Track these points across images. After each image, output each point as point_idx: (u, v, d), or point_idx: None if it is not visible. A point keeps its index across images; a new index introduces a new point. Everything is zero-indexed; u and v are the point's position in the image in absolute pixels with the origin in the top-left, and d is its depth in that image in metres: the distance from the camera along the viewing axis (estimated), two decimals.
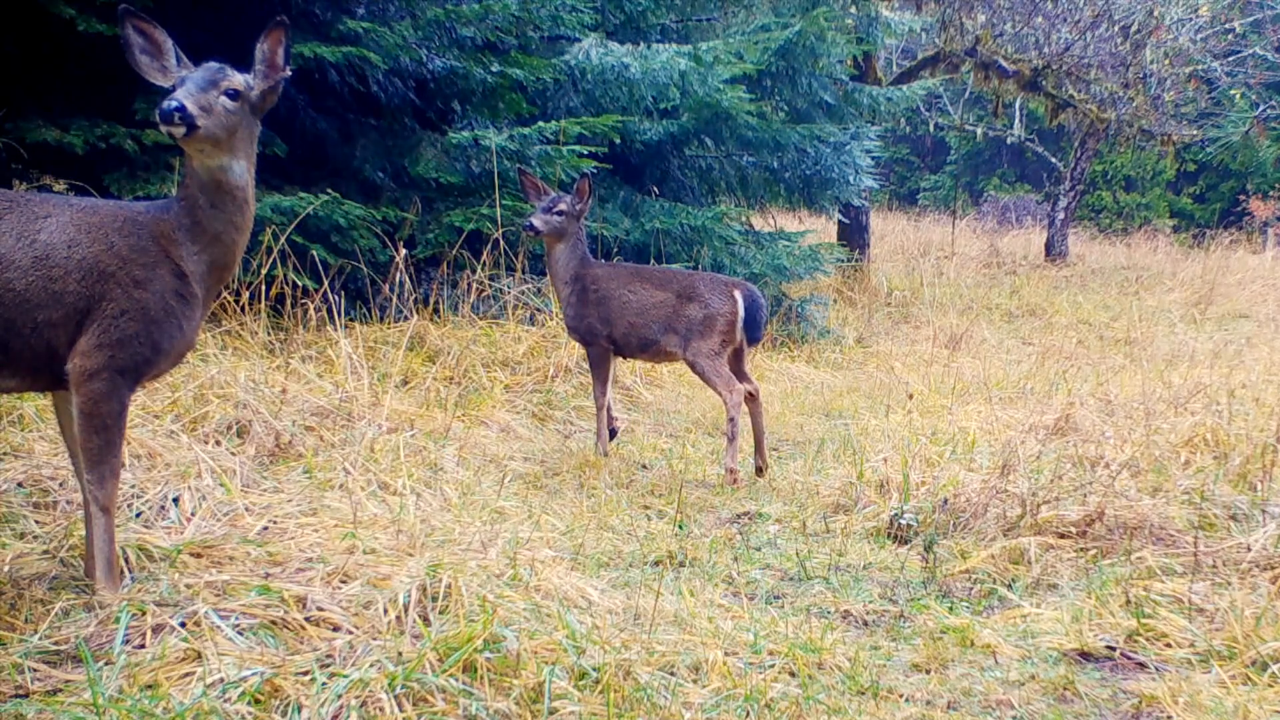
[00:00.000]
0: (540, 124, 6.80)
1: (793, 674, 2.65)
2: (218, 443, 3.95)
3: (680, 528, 3.96)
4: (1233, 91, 19.76)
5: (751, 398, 4.88)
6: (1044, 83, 14.47)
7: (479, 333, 6.19)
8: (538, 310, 6.77)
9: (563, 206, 4.87)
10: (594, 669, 2.43)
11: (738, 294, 4.81)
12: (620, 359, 5.19)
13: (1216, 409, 5.03)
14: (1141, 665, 2.84)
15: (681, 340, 4.80)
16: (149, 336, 2.66)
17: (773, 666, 2.67)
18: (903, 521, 3.92)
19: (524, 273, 6.86)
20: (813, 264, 9.30)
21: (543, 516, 3.82)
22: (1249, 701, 2.54)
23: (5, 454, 3.51)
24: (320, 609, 2.62)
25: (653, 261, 7.32)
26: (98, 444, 2.65)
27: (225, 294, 5.13)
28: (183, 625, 2.46)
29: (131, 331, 2.63)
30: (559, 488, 4.43)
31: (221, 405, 4.19)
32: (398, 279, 5.84)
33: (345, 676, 2.25)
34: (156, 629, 2.45)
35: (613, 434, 5.10)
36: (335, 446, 4.21)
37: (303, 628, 2.53)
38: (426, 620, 2.61)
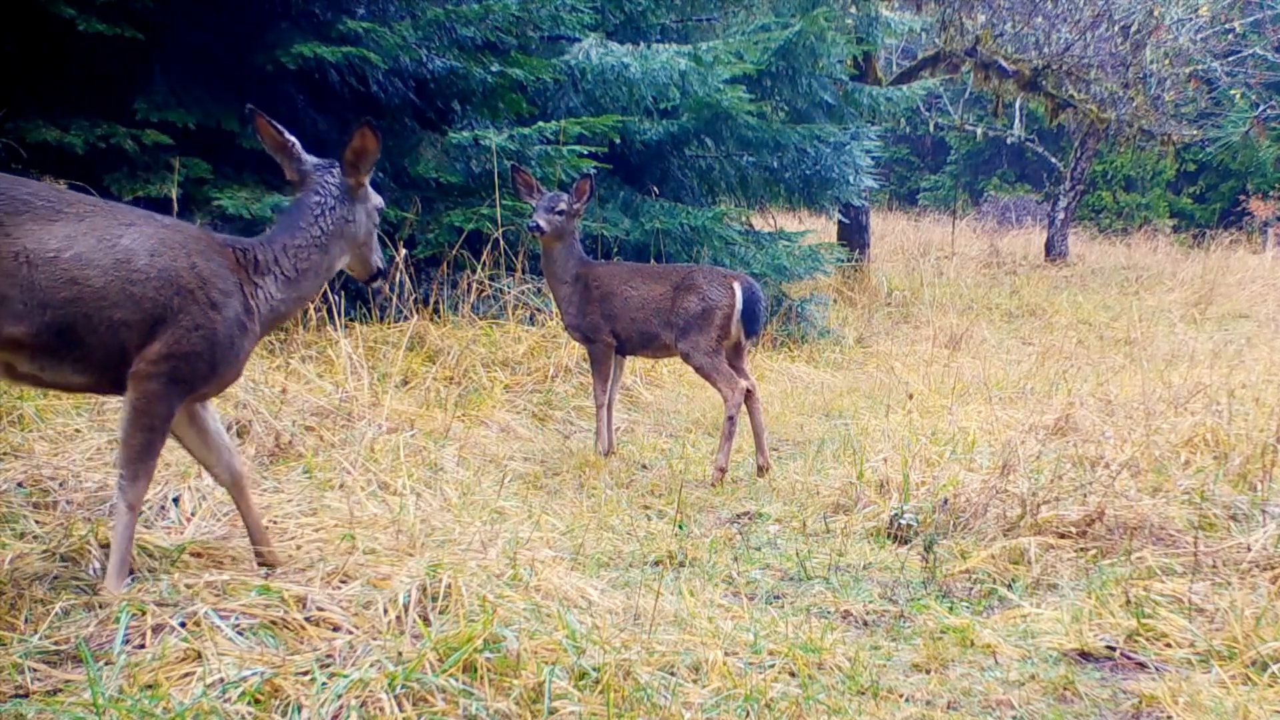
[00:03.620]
0: (540, 124, 6.80)
1: (793, 674, 2.65)
2: None
3: (680, 528, 3.96)
4: (1233, 91, 19.76)
5: (749, 395, 4.88)
6: (1044, 83, 14.47)
7: (479, 333, 6.19)
8: (538, 310, 6.76)
9: (563, 206, 4.87)
10: (594, 669, 2.43)
11: (736, 286, 4.81)
12: (623, 358, 5.18)
13: (1216, 409, 5.03)
14: (1141, 665, 2.84)
15: (679, 334, 4.79)
16: (211, 356, 2.80)
17: (773, 666, 2.67)
18: (903, 521, 3.92)
19: (524, 273, 6.86)
20: (813, 264, 9.30)
21: (543, 516, 3.82)
22: (1249, 701, 2.54)
23: (5, 454, 3.51)
24: (320, 609, 2.62)
25: (652, 261, 7.32)
26: (140, 442, 2.76)
27: None
28: (183, 625, 2.46)
29: (198, 348, 2.77)
30: (559, 488, 4.43)
31: (221, 405, 4.19)
32: (398, 279, 5.85)
33: (345, 676, 2.25)
34: (156, 629, 2.45)
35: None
36: (335, 446, 4.21)
37: (303, 628, 2.53)
38: (426, 620, 2.61)
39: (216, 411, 3.11)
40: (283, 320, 3.15)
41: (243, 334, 2.90)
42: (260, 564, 3.02)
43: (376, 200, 3.29)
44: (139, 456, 2.76)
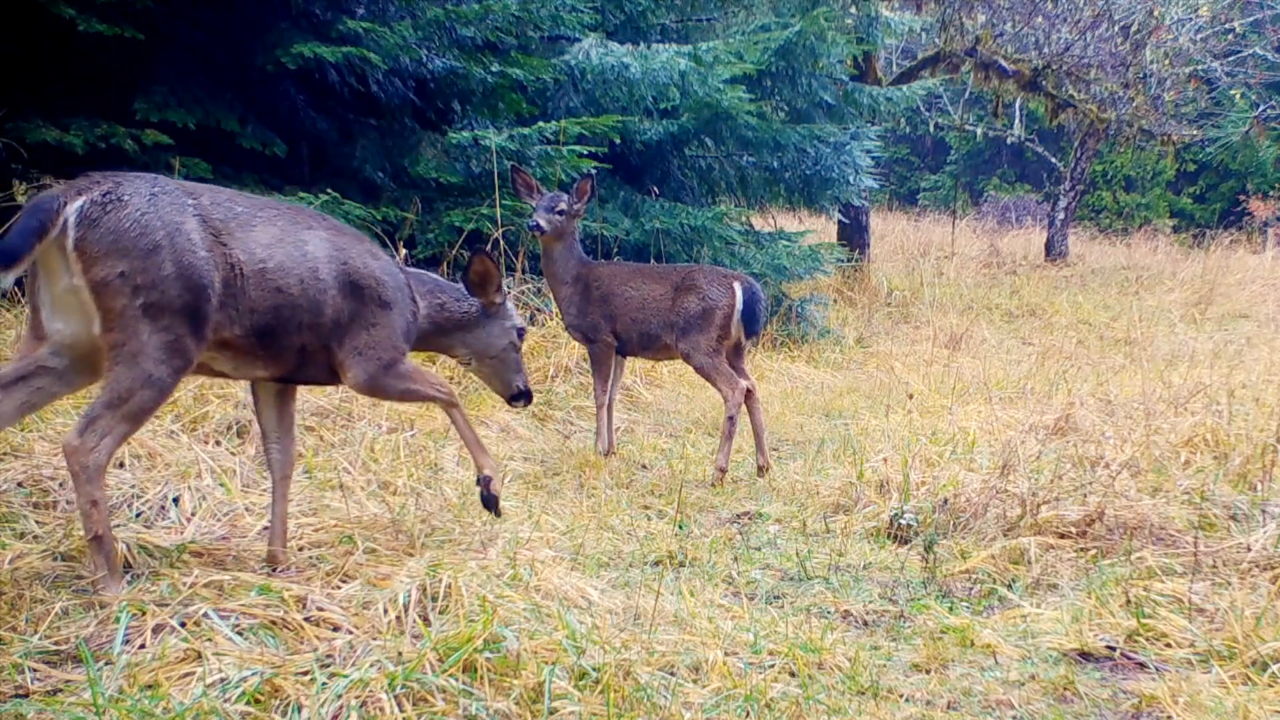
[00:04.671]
0: (540, 124, 6.81)
1: (793, 674, 2.65)
2: (218, 443, 3.95)
3: (680, 528, 3.96)
4: (1233, 91, 19.75)
5: (749, 395, 4.88)
6: (1044, 83, 14.47)
7: None
8: (538, 310, 6.76)
9: (563, 205, 4.87)
10: (594, 669, 2.43)
11: (736, 285, 4.81)
12: (623, 358, 5.18)
13: (1216, 409, 5.03)
14: (1141, 665, 2.84)
15: (679, 334, 4.79)
16: (394, 344, 3.12)
17: (773, 666, 2.67)
18: (903, 521, 3.92)
19: (524, 273, 6.86)
20: (813, 264, 9.30)
21: (543, 516, 3.82)
22: (1249, 701, 2.54)
23: (5, 454, 3.51)
24: (320, 609, 2.62)
25: (652, 261, 7.32)
26: (412, 393, 3.21)
27: None
28: (183, 625, 2.46)
29: (378, 341, 3.07)
30: (559, 488, 4.43)
31: (221, 405, 4.19)
32: None
33: (345, 676, 2.25)
34: (156, 629, 2.45)
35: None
36: (335, 446, 4.21)
37: (303, 628, 2.53)
38: (426, 620, 2.61)
39: (296, 405, 3.28)
40: (412, 347, 3.38)
41: (413, 326, 3.23)
42: (267, 561, 3.07)
43: (516, 321, 3.58)
44: (419, 391, 3.20)
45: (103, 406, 2.62)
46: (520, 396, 3.64)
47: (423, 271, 3.50)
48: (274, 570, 3.00)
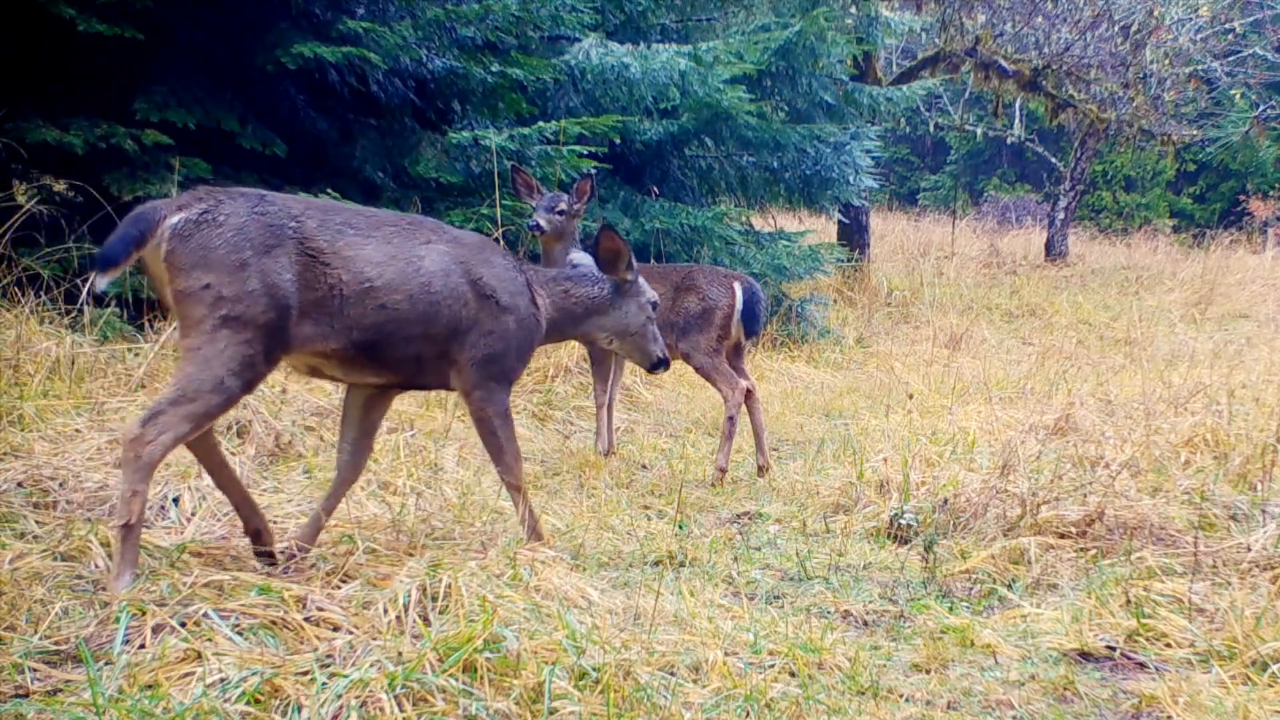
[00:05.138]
0: (540, 124, 6.80)
1: (793, 674, 2.65)
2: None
3: (680, 528, 3.96)
4: (1233, 91, 19.74)
5: (749, 395, 4.88)
6: (1044, 83, 14.47)
7: None
8: None
9: (563, 206, 4.87)
10: (594, 669, 2.43)
11: (736, 286, 4.81)
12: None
13: (1216, 409, 5.03)
14: (1141, 665, 2.84)
15: (679, 334, 4.79)
16: (513, 350, 3.22)
17: (773, 666, 2.66)
18: (903, 521, 3.92)
19: None
20: (813, 264, 9.30)
21: (543, 516, 3.82)
22: (1249, 701, 2.53)
23: (5, 454, 3.51)
24: (320, 609, 2.62)
25: (652, 261, 7.32)
26: (496, 444, 3.25)
27: None
28: (183, 625, 2.46)
29: (497, 348, 3.17)
30: (559, 488, 4.43)
31: None
32: None
33: (345, 676, 2.25)
34: (156, 629, 2.45)
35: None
36: (335, 446, 4.20)
37: (303, 628, 2.53)
38: (426, 620, 2.61)
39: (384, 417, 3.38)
40: (546, 340, 3.53)
41: (536, 326, 3.32)
42: (283, 551, 3.14)
43: (650, 295, 3.70)
44: (500, 452, 3.26)
45: (168, 403, 2.67)
46: (660, 364, 3.76)
47: (546, 268, 3.60)
48: (280, 565, 3.03)
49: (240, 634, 2.46)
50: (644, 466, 5.00)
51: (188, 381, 2.67)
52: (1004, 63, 13.96)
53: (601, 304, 3.57)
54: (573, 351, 6.24)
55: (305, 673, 2.28)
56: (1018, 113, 20.05)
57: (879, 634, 3.06)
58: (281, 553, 3.06)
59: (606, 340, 3.68)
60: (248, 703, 2.16)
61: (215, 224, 2.71)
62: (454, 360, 3.13)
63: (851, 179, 9.53)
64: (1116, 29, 14.84)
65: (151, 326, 5.02)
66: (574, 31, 7.56)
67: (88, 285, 4.77)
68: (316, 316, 2.83)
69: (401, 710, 2.19)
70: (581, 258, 3.71)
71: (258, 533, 3.02)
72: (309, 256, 2.81)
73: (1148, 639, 2.95)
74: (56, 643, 2.42)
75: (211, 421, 2.77)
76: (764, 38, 8.91)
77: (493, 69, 6.72)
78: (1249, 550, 3.46)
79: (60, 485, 3.34)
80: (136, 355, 4.55)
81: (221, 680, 2.21)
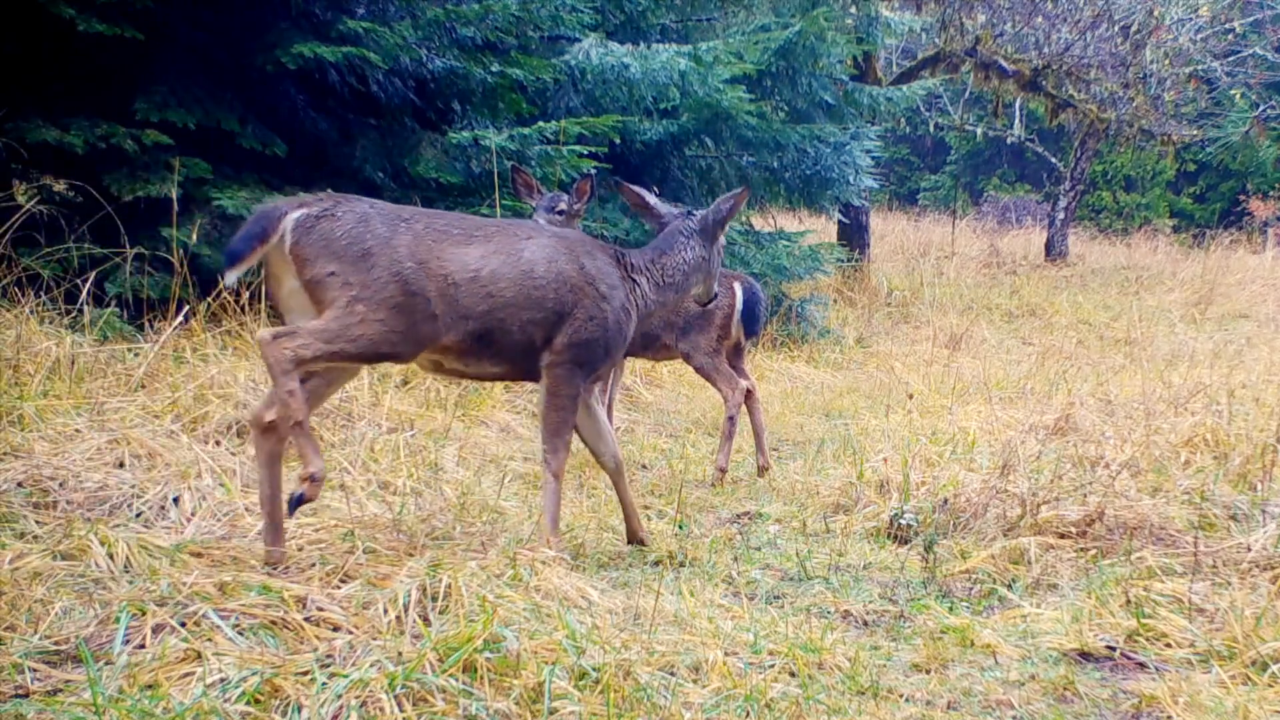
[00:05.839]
0: (540, 124, 6.80)
1: (793, 674, 2.65)
2: (218, 443, 3.95)
3: (680, 528, 3.96)
4: (1233, 91, 19.75)
5: (749, 395, 4.88)
6: (1044, 83, 14.47)
7: None
8: None
9: (562, 206, 4.86)
10: (594, 669, 2.43)
11: (737, 286, 4.80)
12: (623, 358, 5.18)
13: (1216, 409, 5.03)
14: (1141, 665, 2.84)
15: (679, 334, 4.79)
16: (604, 341, 3.39)
17: (773, 666, 2.66)
18: (903, 521, 3.92)
19: None
20: (813, 264, 9.30)
21: (543, 517, 3.82)
22: (1249, 701, 2.53)
23: (5, 454, 3.50)
24: (320, 609, 2.62)
25: None
26: (555, 420, 3.38)
27: (225, 294, 5.13)
28: (183, 625, 2.46)
29: (594, 335, 3.35)
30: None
31: (221, 405, 4.19)
32: None
33: (345, 676, 2.25)
34: (156, 629, 2.45)
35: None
36: (335, 446, 4.21)
37: (303, 628, 2.53)
38: (426, 620, 2.61)
39: (601, 404, 3.65)
40: (650, 317, 3.84)
41: (627, 319, 3.49)
42: (630, 541, 3.63)
43: (722, 241, 3.91)
44: (556, 432, 3.37)
45: (305, 330, 2.89)
46: (715, 298, 4.01)
47: (643, 249, 3.73)
48: (642, 544, 3.56)
49: (240, 634, 2.46)
50: (644, 466, 5.00)
51: (325, 325, 2.90)
52: (1004, 63, 13.96)
53: (694, 258, 3.73)
54: None
55: (305, 673, 2.28)
56: (1018, 113, 20.05)
57: (879, 634, 3.06)
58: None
59: (699, 291, 3.86)
60: (248, 703, 2.16)
61: (334, 218, 2.94)
62: (551, 343, 3.30)
63: (851, 179, 9.53)
64: (1116, 29, 14.84)
65: (151, 326, 5.02)
66: (574, 31, 7.56)
67: (88, 285, 4.78)
68: (441, 305, 3.05)
69: (401, 710, 2.19)
70: (667, 208, 3.86)
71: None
72: (424, 250, 3.05)
73: (1148, 639, 2.95)
74: (56, 643, 2.42)
75: (333, 360, 2.96)
76: (764, 38, 8.91)
77: (493, 69, 6.72)
78: (1249, 550, 3.46)
79: (60, 485, 3.34)
80: (136, 355, 4.55)
81: (221, 680, 2.21)
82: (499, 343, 3.21)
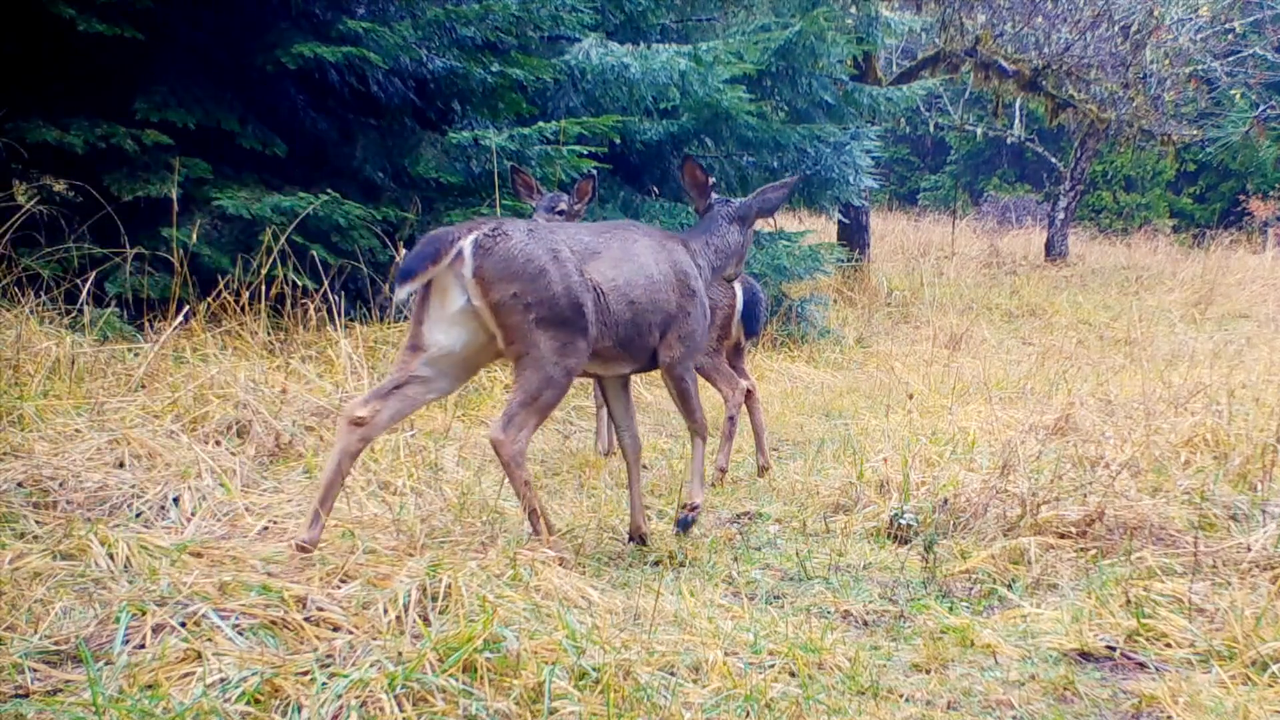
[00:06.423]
0: (540, 124, 6.80)
1: (793, 674, 2.65)
2: (218, 443, 3.95)
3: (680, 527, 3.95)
4: (1233, 91, 19.74)
5: (749, 395, 4.88)
6: (1044, 83, 14.47)
7: None
8: None
9: (562, 206, 4.86)
10: (594, 669, 2.43)
11: (737, 286, 4.80)
12: None
13: (1216, 409, 5.03)
14: (1141, 665, 2.84)
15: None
16: (700, 329, 3.67)
17: (773, 666, 2.66)
18: (903, 521, 3.92)
19: None
20: (813, 264, 9.30)
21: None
22: (1249, 701, 2.53)
23: (5, 454, 3.51)
24: (320, 609, 2.62)
25: None
26: (689, 404, 3.74)
27: (225, 294, 5.14)
28: (183, 625, 2.46)
29: (695, 327, 3.62)
30: (559, 488, 4.43)
31: (221, 405, 4.19)
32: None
33: (345, 676, 2.25)
34: (156, 629, 2.45)
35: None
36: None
37: (303, 628, 2.53)
38: (426, 620, 2.61)
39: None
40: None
41: (705, 300, 3.72)
42: (631, 535, 3.68)
43: (754, 227, 4.18)
44: (691, 410, 3.75)
45: (518, 405, 3.16)
46: (737, 274, 4.17)
47: (697, 234, 3.89)
48: (642, 542, 3.64)
49: (240, 634, 2.46)
50: (644, 466, 5.00)
51: (528, 383, 3.15)
52: (1004, 63, 13.96)
53: (735, 242, 3.93)
54: None
55: (305, 673, 2.28)
56: (1018, 113, 20.06)
57: (879, 634, 3.06)
58: (630, 536, 3.69)
59: (729, 273, 4.00)
60: (248, 703, 2.16)
61: (507, 237, 3.11)
62: (666, 339, 3.54)
63: (851, 179, 9.53)
64: (1116, 29, 14.84)
65: (151, 327, 5.03)
66: (574, 31, 7.56)
67: (88, 285, 4.78)
68: (596, 313, 3.26)
69: (401, 710, 2.19)
70: (719, 199, 3.98)
71: None
72: (578, 262, 3.24)
73: (1148, 639, 2.95)
74: (56, 643, 2.42)
75: (553, 410, 3.31)
76: (764, 38, 8.91)
77: (493, 69, 6.72)
78: (1249, 550, 3.46)
79: (60, 485, 3.34)
80: (136, 355, 4.55)
81: (221, 680, 2.21)
82: (635, 344, 3.44)
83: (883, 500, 4.18)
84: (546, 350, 3.13)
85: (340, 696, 2.19)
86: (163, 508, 3.33)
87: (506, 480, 3.41)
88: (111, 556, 2.84)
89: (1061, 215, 17.10)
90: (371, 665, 2.31)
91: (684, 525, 3.82)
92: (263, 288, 5.16)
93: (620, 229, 3.54)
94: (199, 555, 2.98)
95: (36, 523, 3.10)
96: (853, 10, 10.90)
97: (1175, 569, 3.42)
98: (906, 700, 2.59)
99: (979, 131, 20.70)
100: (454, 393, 3.68)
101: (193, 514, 3.32)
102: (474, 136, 6.72)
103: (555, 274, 3.14)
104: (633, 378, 3.77)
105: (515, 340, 3.12)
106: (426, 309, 3.14)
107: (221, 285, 5.13)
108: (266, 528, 3.23)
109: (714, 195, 4.00)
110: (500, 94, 6.92)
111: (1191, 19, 16.59)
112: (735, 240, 3.93)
